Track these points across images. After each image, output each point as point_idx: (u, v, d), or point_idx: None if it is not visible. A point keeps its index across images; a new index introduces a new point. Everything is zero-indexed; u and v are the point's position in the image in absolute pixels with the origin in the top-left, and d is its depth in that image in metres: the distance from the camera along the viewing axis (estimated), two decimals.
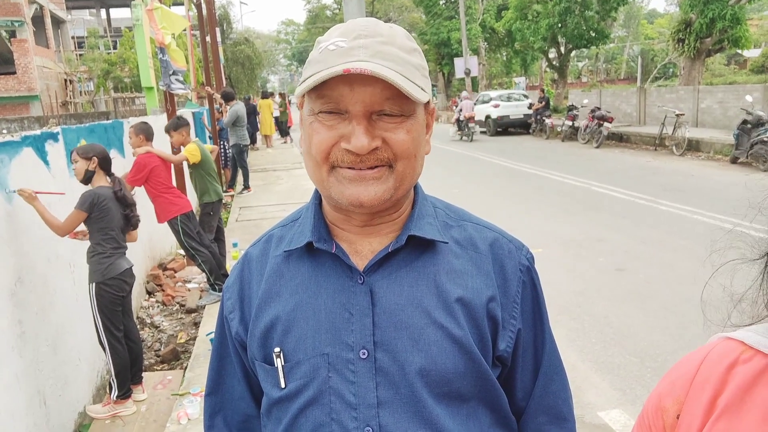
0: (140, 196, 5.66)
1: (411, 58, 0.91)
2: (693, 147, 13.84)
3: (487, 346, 0.96)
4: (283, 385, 0.95)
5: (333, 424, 0.92)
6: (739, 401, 0.63)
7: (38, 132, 3.81)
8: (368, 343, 0.92)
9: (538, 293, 1.04)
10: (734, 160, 11.85)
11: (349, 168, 0.89)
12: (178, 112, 7.58)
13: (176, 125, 6.00)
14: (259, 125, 18.74)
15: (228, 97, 10.95)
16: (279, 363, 0.95)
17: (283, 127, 21.08)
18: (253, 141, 18.92)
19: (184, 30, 11.06)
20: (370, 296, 0.94)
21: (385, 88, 0.86)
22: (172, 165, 5.88)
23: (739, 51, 23.90)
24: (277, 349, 0.95)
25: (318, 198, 1.02)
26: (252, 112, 18.05)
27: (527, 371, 1.04)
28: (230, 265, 6.12)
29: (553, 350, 1.07)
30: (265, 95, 20.09)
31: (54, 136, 3.98)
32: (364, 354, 0.92)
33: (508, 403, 1.02)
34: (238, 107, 10.84)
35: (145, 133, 5.35)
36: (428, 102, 0.95)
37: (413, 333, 0.93)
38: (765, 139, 10.81)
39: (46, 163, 3.77)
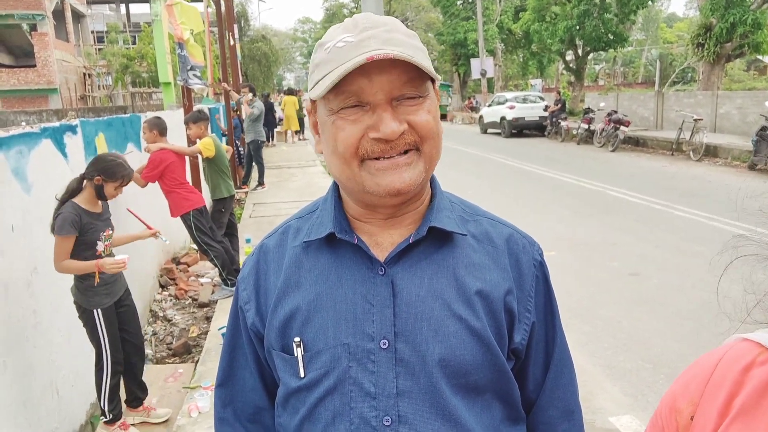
0: (154, 190, 5.71)
1: (414, 42, 0.93)
2: (710, 152, 13.69)
3: (504, 339, 0.98)
4: (302, 375, 0.96)
5: (352, 414, 0.93)
6: (755, 404, 0.62)
7: (57, 124, 3.85)
8: (389, 333, 0.93)
9: (549, 288, 1.06)
10: (752, 167, 11.72)
11: (379, 158, 0.90)
12: (195, 107, 7.63)
13: (196, 118, 6.06)
14: (279, 121, 19.08)
15: (254, 92, 11.15)
16: (299, 353, 0.96)
17: (303, 124, 21.22)
18: (269, 138, 19.13)
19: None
20: (391, 287, 0.95)
21: (402, 72, 0.87)
22: (187, 159, 5.92)
23: (760, 57, 23.64)
24: (297, 339, 0.96)
25: (337, 190, 1.03)
26: (270, 109, 18.29)
27: (539, 364, 1.06)
28: (243, 260, 6.15)
29: (563, 344, 1.09)
30: (291, 92, 20.39)
31: (72, 129, 4.02)
32: (384, 344, 0.93)
33: (520, 397, 1.04)
34: (260, 103, 11.03)
35: (159, 128, 5.39)
36: (434, 84, 0.97)
37: (433, 324, 0.94)
38: None
39: (65, 155, 3.81)
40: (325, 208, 1.03)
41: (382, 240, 0.99)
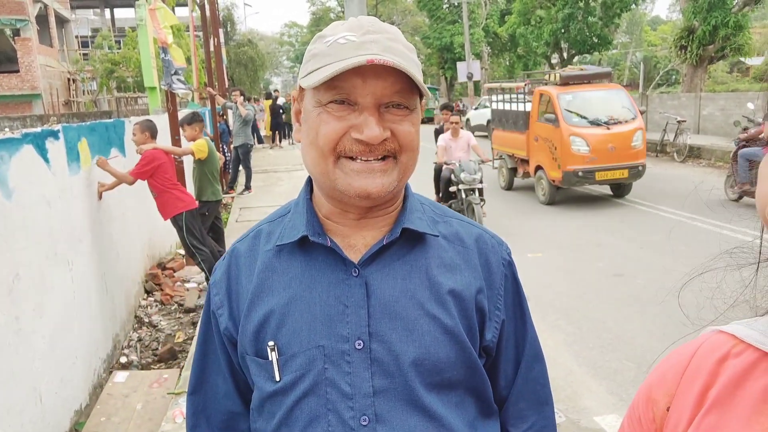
0: (139, 192, 5.68)
1: (412, 56, 0.94)
2: (694, 154, 13.84)
3: (475, 336, 1.00)
4: (277, 378, 0.97)
5: (329, 414, 0.94)
6: (730, 395, 0.63)
7: (38, 129, 3.82)
8: (363, 333, 0.94)
9: (518, 286, 1.09)
10: None
11: (355, 159, 0.91)
12: (181, 112, 7.61)
13: (190, 120, 6.13)
14: (285, 124, 19.40)
15: (243, 95, 11.28)
16: (273, 356, 0.96)
17: (290, 129, 21.29)
18: (280, 139, 19.36)
19: (187, 30, 11.04)
20: (365, 288, 0.95)
21: (395, 81, 0.89)
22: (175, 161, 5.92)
23: (742, 59, 23.88)
24: (271, 343, 0.97)
25: (308, 193, 1.04)
26: (278, 111, 18.51)
27: (509, 361, 1.08)
28: None
29: (534, 339, 1.11)
30: (269, 96, 20.55)
31: (54, 134, 3.99)
32: (359, 344, 0.94)
33: (492, 393, 1.05)
34: (251, 107, 11.12)
35: (151, 130, 5.44)
36: (422, 99, 0.99)
37: (407, 324, 0.95)
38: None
39: (47, 160, 3.78)
40: (298, 211, 1.03)
41: (355, 242, 0.99)
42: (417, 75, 0.90)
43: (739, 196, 8.86)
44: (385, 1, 43.24)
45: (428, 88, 1.02)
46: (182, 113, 7.58)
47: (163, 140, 6.31)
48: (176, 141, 6.99)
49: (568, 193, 10.40)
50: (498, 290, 1.04)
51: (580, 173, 9.02)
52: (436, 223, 1.04)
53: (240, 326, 1.01)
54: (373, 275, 0.97)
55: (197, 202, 6.30)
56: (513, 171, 10.99)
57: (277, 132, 19.58)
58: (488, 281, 1.03)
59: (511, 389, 1.09)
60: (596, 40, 24.01)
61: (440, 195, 7.88)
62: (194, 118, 6.15)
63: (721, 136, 15.01)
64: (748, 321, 0.68)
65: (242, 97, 11.02)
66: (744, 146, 8.97)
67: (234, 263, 1.06)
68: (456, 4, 34.42)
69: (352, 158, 0.91)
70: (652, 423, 0.71)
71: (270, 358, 0.97)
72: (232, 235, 7.67)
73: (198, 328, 1.12)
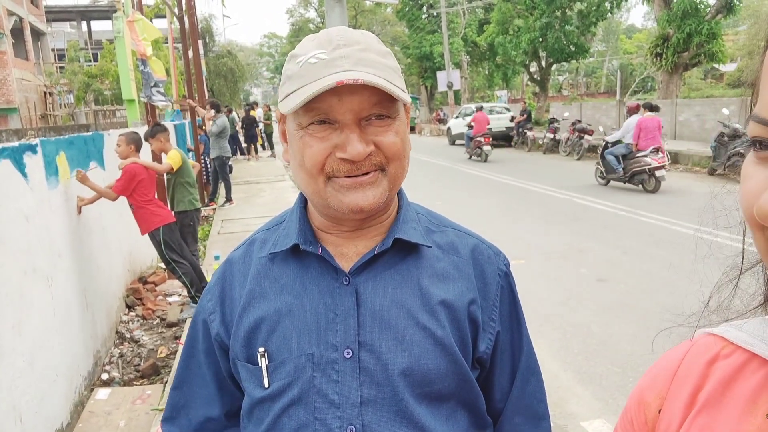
0: (119, 206, 5.61)
1: (388, 62, 0.92)
2: (672, 159, 14.03)
3: (468, 348, 0.99)
4: (266, 385, 0.96)
5: (316, 423, 0.93)
6: (719, 396, 0.64)
7: (16, 144, 3.76)
8: (353, 342, 0.93)
9: (515, 297, 1.08)
10: (712, 172, 12.05)
11: (346, 177, 0.90)
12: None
13: (152, 132, 6.06)
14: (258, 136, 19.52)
15: (217, 108, 11.12)
16: (263, 363, 0.96)
17: (270, 139, 21.21)
18: (248, 152, 19.35)
19: (165, 42, 10.99)
20: (355, 297, 0.95)
21: (372, 94, 0.87)
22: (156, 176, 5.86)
23: (716, 65, 24.38)
24: (261, 349, 0.96)
25: (303, 202, 1.04)
26: (252, 123, 18.54)
27: (505, 373, 1.07)
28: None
29: (530, 352, 1.10)
30: (251, 108, 20.55)
31: (32, 148, 3.93)
32: (348, 353, 0.93)
33: (485, 405, 1.04)
34: (224, 119, 10.96)
35: (136, 143, 5.41)
36: (406, 104, 0.98)
37: (397, 333, 0.94)
38: (742, 151, 11.00)
39: (24, 175, 3.72)
40: (291, 219, 1.03)
41: (347, 251, 0.99)
42: (396, 83, 0.89)
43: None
44: (364, 12, 43.48)
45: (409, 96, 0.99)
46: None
47: (145, 154, 6.26)
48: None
49: (549, 200, 10.55)
50: (493, 301, 1.03)
51: None
52: (431, 233, 1.04)
53: (232, 332, 1.01)
54: (364, 284, 0.96)
55: (175, 215, 6.25)
56: None
57: (252, 144, 19.57)
58: (483, 292, 1.02)
59: (507, 403, 1.07)
60: (573, 49, 24.31)
61: None
62: (155, 130, 6.07)
63: (698, 141, 15.27)
64: (737, 323, 0.68)
65: (213, 111, 10.97)
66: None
67: (228, 270, 1.06)
68: (435, 14, 34.72)
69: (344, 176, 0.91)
70: (644, 425, 0.71)
71: (260, 365, 0.97)
72: (214, 246, 7.61)
73: (187, 331, 1.12)
